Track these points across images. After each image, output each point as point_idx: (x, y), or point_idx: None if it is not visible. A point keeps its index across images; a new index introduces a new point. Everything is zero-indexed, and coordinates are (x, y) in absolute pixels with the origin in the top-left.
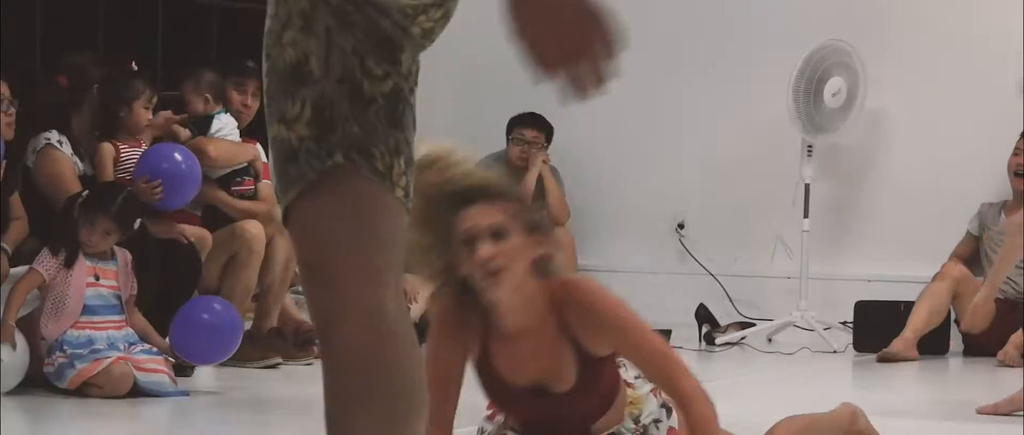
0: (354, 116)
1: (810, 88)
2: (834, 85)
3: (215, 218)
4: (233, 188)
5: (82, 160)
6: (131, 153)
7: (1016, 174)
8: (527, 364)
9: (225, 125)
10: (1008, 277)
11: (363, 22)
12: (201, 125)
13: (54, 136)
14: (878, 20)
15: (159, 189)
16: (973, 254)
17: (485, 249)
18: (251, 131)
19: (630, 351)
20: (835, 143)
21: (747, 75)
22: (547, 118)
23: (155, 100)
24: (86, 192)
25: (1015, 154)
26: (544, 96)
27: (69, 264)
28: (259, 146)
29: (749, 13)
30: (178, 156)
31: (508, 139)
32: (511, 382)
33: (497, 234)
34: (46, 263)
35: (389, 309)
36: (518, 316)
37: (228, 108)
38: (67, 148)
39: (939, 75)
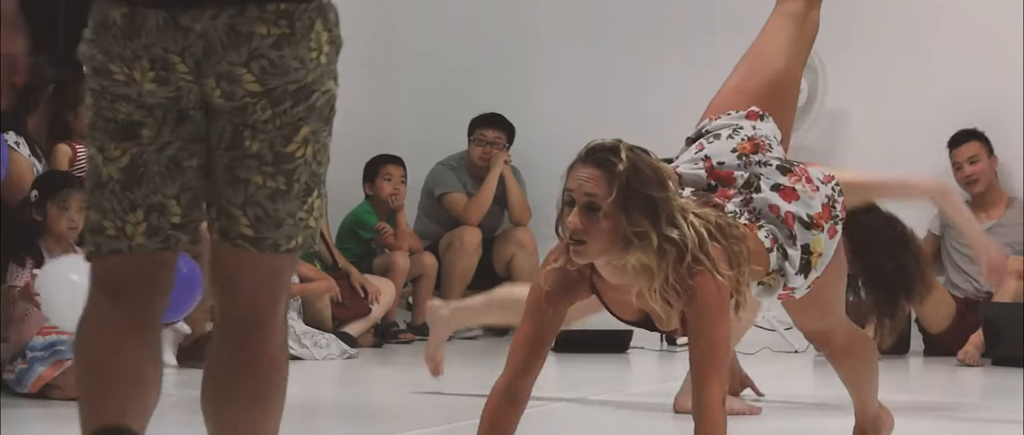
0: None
1: None
2: None
3: None
4: None
5: (40, 161)
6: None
7: (968, 183)
8: (631, 306)
9: None
10: (968, 276)
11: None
12: None
13: (11, 137)
14: (839, 20)
15: None
16: (934, 254)
17: (573, 218)
18: None
19: (694, 336)
20: (795, 142)
21: (710, 74)
22: (508, 118)
23: None
24: (36, 189)
25: (957, 168)
26: (506, 97)
27: (39, 266)
28: None
29: (712, 12)
30: None
31: (470, 139)
32: (619, 314)
33: (591, 207)
34: (18, 277)
35: None
36: (614, 276)
37: None
38: (25, 149)
39: (898, 75)
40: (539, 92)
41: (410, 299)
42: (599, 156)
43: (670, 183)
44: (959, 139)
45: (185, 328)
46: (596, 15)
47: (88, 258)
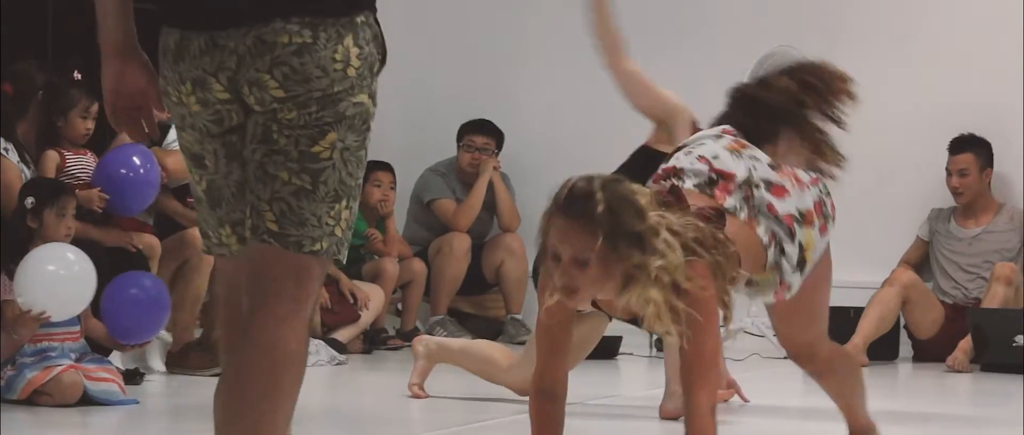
0: None
1: None
2: None
3: (167, 227)
4: (189, 199)
5: (29, 167)
6: (76, 160)
7: (956, 193)
8: (622, 306)
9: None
10: (957, 283)
11: None
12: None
13: (1, 143)
14: (829, 28)
15: (102, 202)
16: (922, 260)
17: (561, 275)
18: None
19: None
20: None
21: (699, 82)
22: (497, 125)
23: (94, 109)
24: (31, 196)
25: (948, 175)
26: (494, 103)
27: None
28: None
29: (701, 20)
30: (137, 160)
31: (458, 146)
32: (608, 311)
33: (578, 262)
34: (8, 291)
35: None
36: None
37: None
38: (14, 155)
39: (888, 83)
40: (528, 98)
41: (399, 305)
42: (577, 208)
43: (648, 211)
44: (957, 146)
45: (167, 337)
46: (585, 20)
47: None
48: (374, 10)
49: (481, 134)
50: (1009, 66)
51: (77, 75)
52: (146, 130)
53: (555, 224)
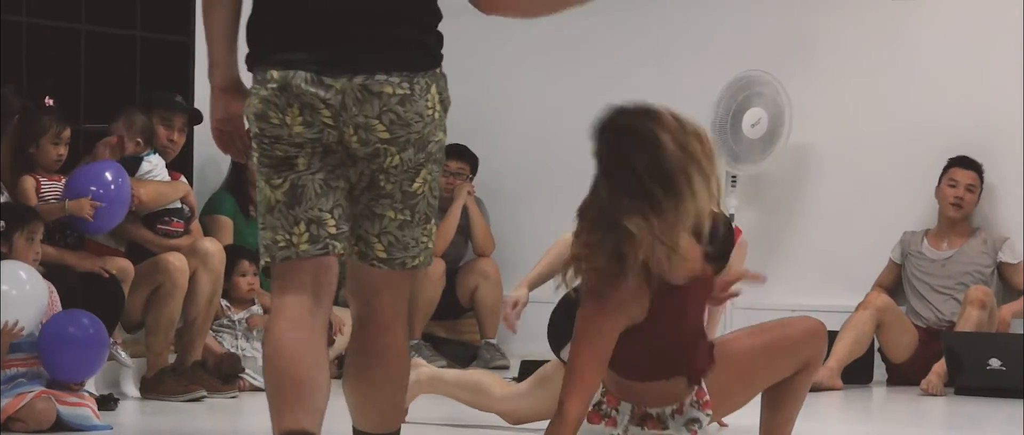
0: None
1: (727, 119)
2: (753, 116)
3: (139, 253)
4: (159, 226)
5: (2, 193)
6: (51, 186)
7: (952, 204)
8: None
9: (155, 166)
10: (930, 304)
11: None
12: (129, 166)
13: None
14: (804, 52)
15: (92, 209)
16: (896, 283)
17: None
18: (177, 165)
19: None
20: (759, 172)
21: (679, 106)
22: (472, 150)
23: (66, 134)
24: (0, 220)
25: (951, 185)
26: (469, 127)
27: None
28: (185, 179)
29: (675, 43)
30: (109, 175)
31: None
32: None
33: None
34: None
35: None
36: None
37: (155, 146)
38: None
39: (862, 106)
40: (502, 123)
41: None
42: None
43: None
44: (966, 162)
45: (127, 361)
46: (563, 45)
47: (264, 270)
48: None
49: (456, 159)
50: (985, 93)
51: (49, 101)
52: (242, 148)
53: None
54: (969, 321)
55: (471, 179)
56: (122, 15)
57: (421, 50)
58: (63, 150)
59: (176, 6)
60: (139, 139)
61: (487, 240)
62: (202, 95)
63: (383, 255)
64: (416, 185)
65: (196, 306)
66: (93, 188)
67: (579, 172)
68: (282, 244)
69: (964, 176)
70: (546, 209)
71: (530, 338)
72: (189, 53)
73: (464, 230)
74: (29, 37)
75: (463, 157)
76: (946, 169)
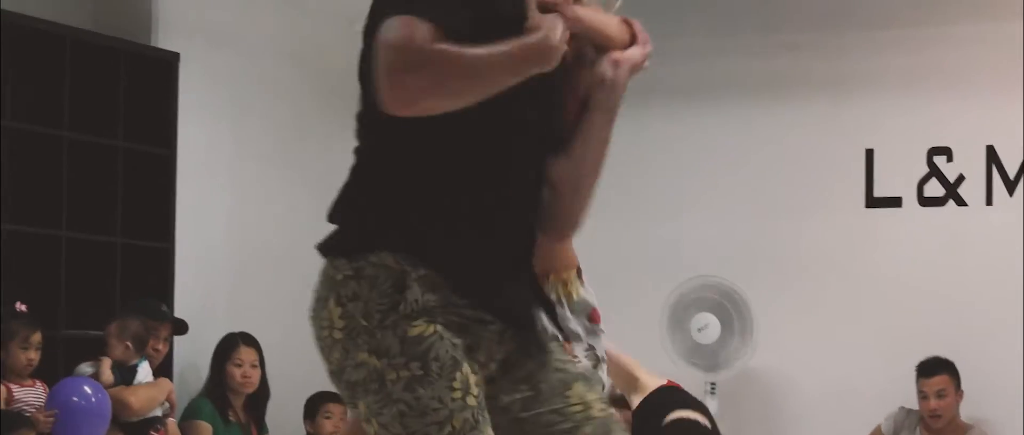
0: None
1: (675, 323)
2: (701, 320)
3: None
4: (152, 432)
5: None
6: (24, 393)
7: (933, 415)
8: None
9: (146, 374)
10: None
11: None
12: (126, 376)
13: None
14: (772, 254)
15: (52, 420)
16: None
17: None
18: (159, 372)
19: None
20: (740, 372)
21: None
22: None
23: (36, 339)
24: None
25: (923, 398)
26: None
27: None
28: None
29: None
30: (88, 389)
31: None
32: None
33: None
34: None
35: None
36: None
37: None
38: None
39: (835, 310)
40: None
41: None
42: None
43: None
44: (930, 369)
45: None
46: None
47: None
48: None
49: None
50: (965, 293)
51: (21, 306)
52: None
53: None
54: None
55: None
56: (103, 221)
57: None
58: (33, 355)
59: (157, 213)
60: (129, 344)
61: None
62: (183, 302)
63: None
64: None
65: None
66: (75, 399)
67: None
68: None
69: (932, 385)
70: None
71: None
72: (169, 259)
73: None
74: (9, 242)
75: None
76: (918, 381)
